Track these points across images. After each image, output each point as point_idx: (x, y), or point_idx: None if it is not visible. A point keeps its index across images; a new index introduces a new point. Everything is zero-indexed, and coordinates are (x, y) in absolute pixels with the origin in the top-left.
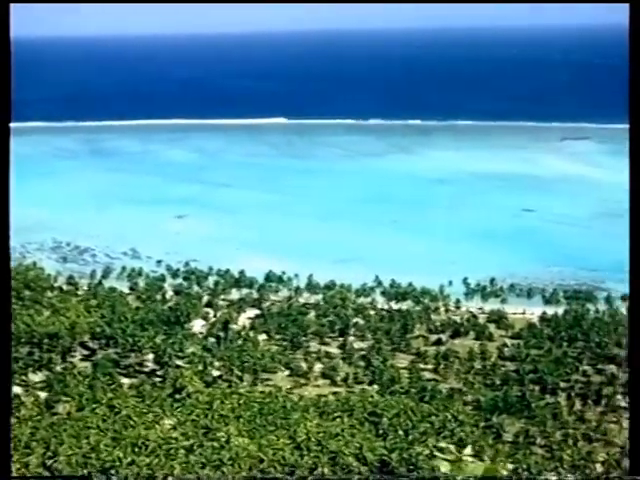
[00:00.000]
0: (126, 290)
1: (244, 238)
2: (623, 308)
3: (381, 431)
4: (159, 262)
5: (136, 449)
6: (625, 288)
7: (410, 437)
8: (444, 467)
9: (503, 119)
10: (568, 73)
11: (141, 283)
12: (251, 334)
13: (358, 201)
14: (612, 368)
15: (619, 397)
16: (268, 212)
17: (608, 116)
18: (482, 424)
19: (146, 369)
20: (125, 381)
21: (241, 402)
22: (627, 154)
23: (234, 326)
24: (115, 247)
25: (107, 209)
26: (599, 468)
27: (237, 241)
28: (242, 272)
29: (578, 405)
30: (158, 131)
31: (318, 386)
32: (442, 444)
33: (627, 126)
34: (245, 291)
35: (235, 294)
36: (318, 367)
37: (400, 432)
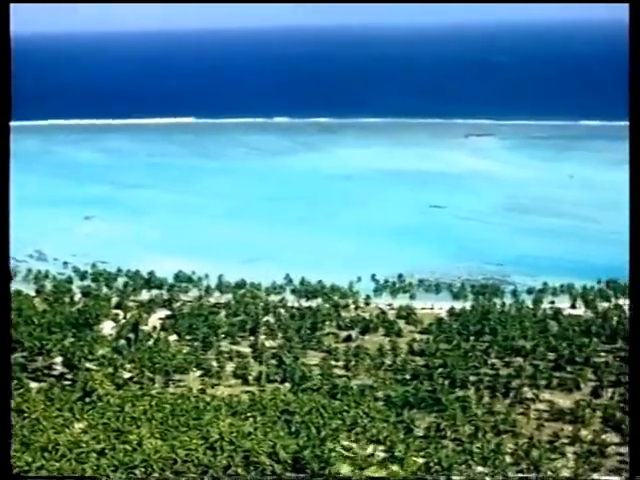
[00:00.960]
0: (32, 293)
1: (154, 238)
2: (529, 301)
3: (294, 429)
4: (66, 264)
5: (46, 454)
6: (530, 281)
7: (322, 434)
8: (344, 469)
9: (408, 116)
10: (470, 71)
11: (48, 285)
12: (162, 335)
13: (268, 200)
14: (519, 361)
15: (526, 389)
16: (178, 212)
17: (509, 113)
18: (393, 419)
19: (55, 372)
20: (33, 385)
21: (153, 404)
22: (529, 149)
23: (144, 327)
24: (20, 249)
25: (11, 211)
26: (508, 459)
27: (147, 242)
28: (152, 273)
29: (487, 398)
30: (64, 132)
31: (230, 386)
32: (348, 442)
33: (527, 122)
34: (155, 292)
35: (145, 295)
36: (230, 367)
37: (312, 429)
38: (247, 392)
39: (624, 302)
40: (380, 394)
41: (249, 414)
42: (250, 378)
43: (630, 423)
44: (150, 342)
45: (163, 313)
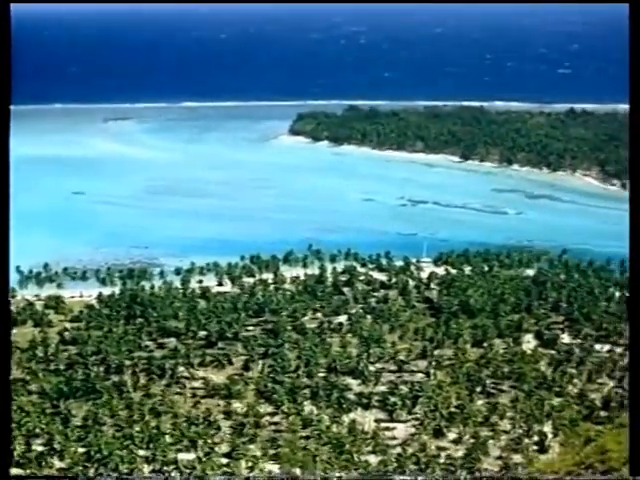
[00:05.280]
0: None
1: None
2: (177, 281)
3: None
4: None
5: None
6: (177, 262)
7: None
8: None
9: (41, 102)
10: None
11: None
12: None
13: None
14: (172, 341)
15: (181, 369)
16: None
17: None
18: (50, 411)
19: None
20: None
21: None
22: (168, 132)
23: None
24: None
25: None
26: (168, 439)
27: None
28: None
29: (143, 381)
30: None
31: None
32: None
33: (165, 105)
34: None
35: None
36: None
37: None
38: None
39: (267, 276)
40: (34, 387)
41: None
42: None
43: (630, 423)
44: None
45: None
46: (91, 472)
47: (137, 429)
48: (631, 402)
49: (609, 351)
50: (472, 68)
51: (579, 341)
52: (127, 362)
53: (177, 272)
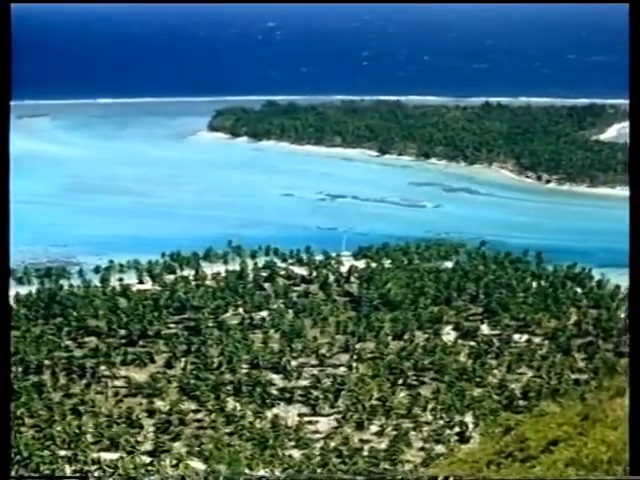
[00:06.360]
0: None
1: None
2: (96, 280)
3: None
4: None
5: None
6: (96, 260)
7: None
8: None
9: None
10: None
11: None
12: None
13: None
14: (93, 340)
15: (102, 368)
16: None
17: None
18: None
19: None
20: None
21: None
22: (86, 128)
23: None
24: None
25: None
26: (90, 439)
27: None
28: None
29: (63, 380)
30: None
31: None
32: None
33: (83, 101)
34: None
35: None
36: None
37: None
38: None
39: (188, 273)
40: None
41: None
42: None
43: (630, 423)
44: None
45: None
46: (11, 474)
47: (58, 429)
48: (631, 402)
49: (527, 341)
50: (388, 62)
51: (498, 332)
52: (46, 362)
53: (96, 270)
